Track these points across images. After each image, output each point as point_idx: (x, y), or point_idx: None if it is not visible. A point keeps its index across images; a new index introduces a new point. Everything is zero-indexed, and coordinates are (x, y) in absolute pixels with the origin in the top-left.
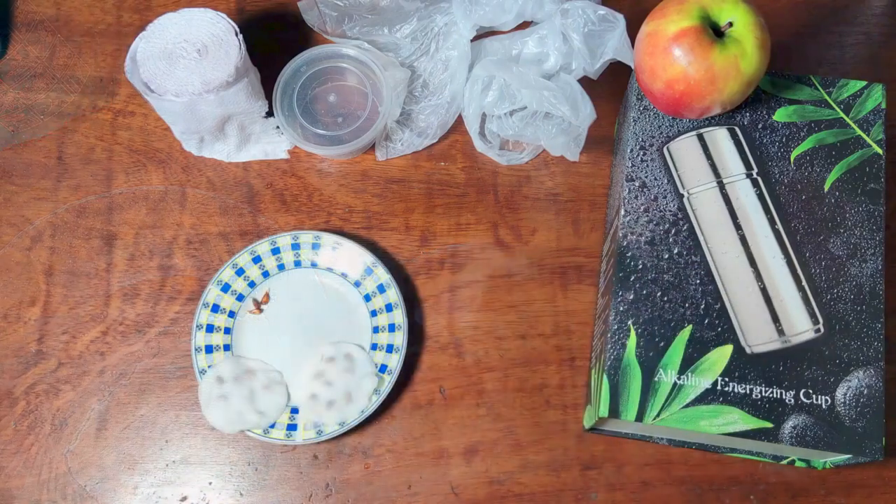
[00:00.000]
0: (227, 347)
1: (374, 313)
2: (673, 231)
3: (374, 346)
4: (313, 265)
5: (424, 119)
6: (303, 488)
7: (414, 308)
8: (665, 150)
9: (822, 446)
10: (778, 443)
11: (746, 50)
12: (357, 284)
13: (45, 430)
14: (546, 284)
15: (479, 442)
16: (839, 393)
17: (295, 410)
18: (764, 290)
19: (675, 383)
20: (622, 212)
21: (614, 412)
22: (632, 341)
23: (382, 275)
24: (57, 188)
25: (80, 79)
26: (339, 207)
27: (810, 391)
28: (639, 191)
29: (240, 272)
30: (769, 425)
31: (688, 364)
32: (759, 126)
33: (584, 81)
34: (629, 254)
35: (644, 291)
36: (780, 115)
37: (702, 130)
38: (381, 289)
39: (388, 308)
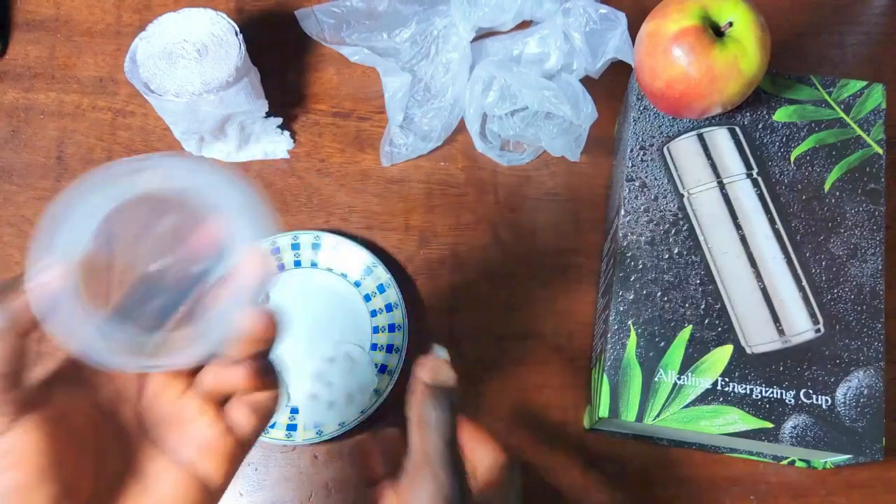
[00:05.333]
0: None
1: (374, 313)
2: (673, 231)
3: (374, 346)
4: (313, 265)
5: (427, 123)
6: (303, 488)
7: (414, 308)
8: (665, 149)
9: (822, 446)
10: (778, 443)
11: (747, 49)
12: (357, 284)
13: None
14: (546, 284)
15: None
16: (839, 393)
17: (295, 410)
18: (764, 290)
19: (675, 383)
20: (622, 212)
21: (614, 412)
22: (632, 341)
23: (382, 275)
24: (57, 188)
25: (80, 79)
26: (339, 207)
27: (810, 391)
28: (639, 191)
29: None
30: (769, 425)
31: (688, 364)
32: (760, 126)
33: (584, 81)
34: (629, 254)
35: (644, 291)
36: (781, 114)
37: (702, 130)
38: (381, 289)
39: (388, 308)
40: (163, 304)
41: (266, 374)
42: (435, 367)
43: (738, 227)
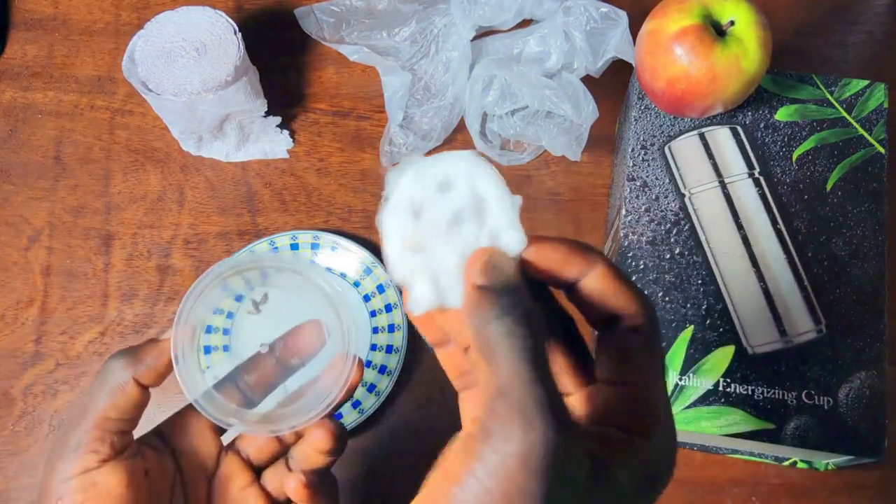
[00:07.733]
0: (225, 348)
1: (373, 314)
2: (674, 231)
3: (373, 347)
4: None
5: (427, 122)
6: None
7: None
8: (666, 149)
9: (824, 447)
10: (780, 444)
11: (748, 49)
12: (356, 285)
13: (43, 431)
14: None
15: None
16: (841, 394)
17: None
18: (766, 291)
19: (676, 384)
20: (623, 211)
21: None
22: None
23: (382, 275)
24: (55, 188)
25: (78, 78)
26: (338, 207)
27: (812, 392)
28: (640, 190)
29: None
30: (771, 426)
31: (689, 365)
32: (761, 125)
33: (585, 80)
34: (630, 254)
35: (645, 291)
36: (782, 114)
37: (703, 130)
38: (381, 289)
39: (388, 308)
40: (254, 383)
41: (320, 489)
42: (492, 260)
43: (739, 227)
